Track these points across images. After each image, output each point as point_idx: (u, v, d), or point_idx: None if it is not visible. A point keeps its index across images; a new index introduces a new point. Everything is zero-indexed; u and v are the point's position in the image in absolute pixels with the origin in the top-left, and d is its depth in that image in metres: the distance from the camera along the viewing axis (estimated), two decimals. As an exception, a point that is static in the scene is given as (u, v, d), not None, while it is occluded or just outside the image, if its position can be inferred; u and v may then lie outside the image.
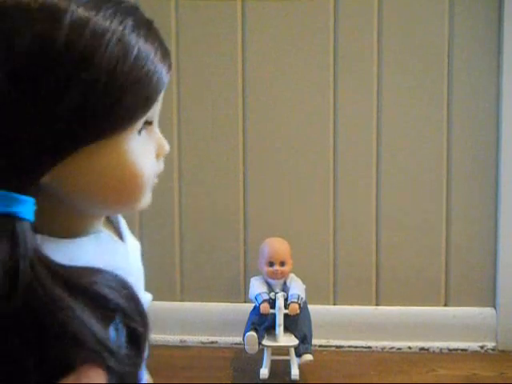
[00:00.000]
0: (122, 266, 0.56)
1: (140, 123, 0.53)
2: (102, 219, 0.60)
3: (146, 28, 0.52)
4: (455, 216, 1.71)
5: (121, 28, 0.50)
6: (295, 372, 1.50)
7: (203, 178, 1.75)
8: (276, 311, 1.51)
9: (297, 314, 1.52)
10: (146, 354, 0.53)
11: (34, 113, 0.48)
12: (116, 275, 0.52)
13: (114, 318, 0.50)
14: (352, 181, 1.72)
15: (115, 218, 0.64)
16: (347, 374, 1.59)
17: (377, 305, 1.75)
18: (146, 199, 0.56)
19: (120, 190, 0.54)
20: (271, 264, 1.59)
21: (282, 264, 1.59)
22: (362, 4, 1.68)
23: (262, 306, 1.53)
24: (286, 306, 1.52)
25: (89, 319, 0.48)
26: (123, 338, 0.51)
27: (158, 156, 0.57)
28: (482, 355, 1.70)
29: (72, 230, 0.56)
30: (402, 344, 1.72)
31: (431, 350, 1.71)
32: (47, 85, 0.48)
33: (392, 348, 1.72)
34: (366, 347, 1.73)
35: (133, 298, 0.52)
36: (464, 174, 1.70)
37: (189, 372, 1.60)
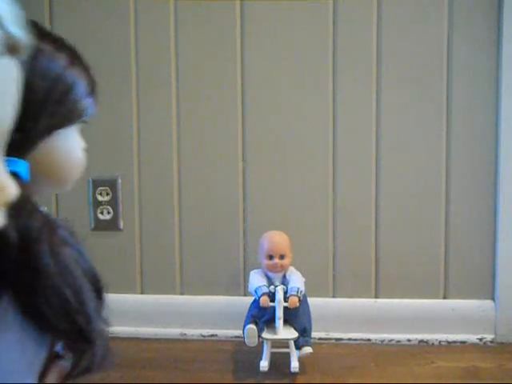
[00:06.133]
0: None
1: (80, 120, 0.75)
2: None
3: (79, 62, 0.74)
4: (454, 208, 1.71)
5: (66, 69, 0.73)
6: (295, 364, 1.51)
7: (202, 170, 1.75)
8: (276, 304, 1.51)
9: (296, 307, 1.52)
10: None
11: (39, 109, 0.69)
12: None
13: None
14: (351, 174, 1.73)
15: None
16: (347, 366, 1.60)
17: (376, 297, 1.75)
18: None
19: (69, 170, 0.74)
20: (271, 257, 1.59)
21: (282, 257, 1.59)
22: (361, 4, 1.68)
23: (261, 299, 1.53)
24: (286, 299, 1.52)
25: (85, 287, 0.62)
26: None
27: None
28: (480, 347, 1.70)
29: None
30: (401, 336, 1.73)
31: (430, 342, 1.72)
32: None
33: (391, 340, 1.73)
34: (365, 340, 1.73)
35: (88, 259, 0.65)
36: (463, 166, 1.70)
37: (189, 365, 1.61)
